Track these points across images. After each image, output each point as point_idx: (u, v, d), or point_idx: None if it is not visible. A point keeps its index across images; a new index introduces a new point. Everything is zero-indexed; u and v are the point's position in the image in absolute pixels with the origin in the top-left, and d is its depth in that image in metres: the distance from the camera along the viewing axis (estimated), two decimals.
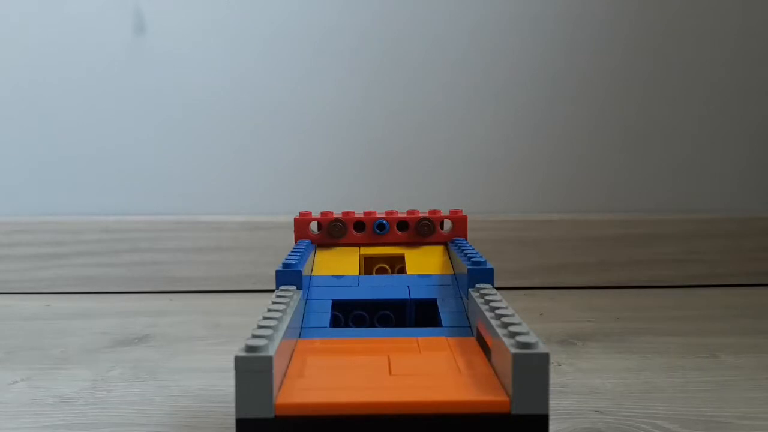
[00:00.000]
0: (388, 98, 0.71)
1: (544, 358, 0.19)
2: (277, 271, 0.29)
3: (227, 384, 0.44)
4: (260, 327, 0.22)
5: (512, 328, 0.21)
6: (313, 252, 0.36)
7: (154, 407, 0.40)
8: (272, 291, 0.71)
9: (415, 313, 0.30)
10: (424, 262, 0.34)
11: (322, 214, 0.37)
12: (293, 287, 0.28)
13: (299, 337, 0.26)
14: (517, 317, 0.22)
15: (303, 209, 0.70)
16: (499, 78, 0.71)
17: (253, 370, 0.19)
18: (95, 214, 0.70)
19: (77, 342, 0.53)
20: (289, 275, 0.28)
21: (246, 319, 0.59)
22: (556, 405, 0.39)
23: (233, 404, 0.42)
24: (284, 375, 0.21)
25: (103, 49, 0.69)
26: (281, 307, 0.24)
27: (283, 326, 0.23)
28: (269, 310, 0.24)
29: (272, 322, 0.22)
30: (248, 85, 0.70)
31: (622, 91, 0.72)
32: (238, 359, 0.19)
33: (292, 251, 0.33)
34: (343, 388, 0.21)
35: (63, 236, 0.68)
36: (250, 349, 0.20)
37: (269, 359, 0.19)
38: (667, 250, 0.69)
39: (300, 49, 0.70)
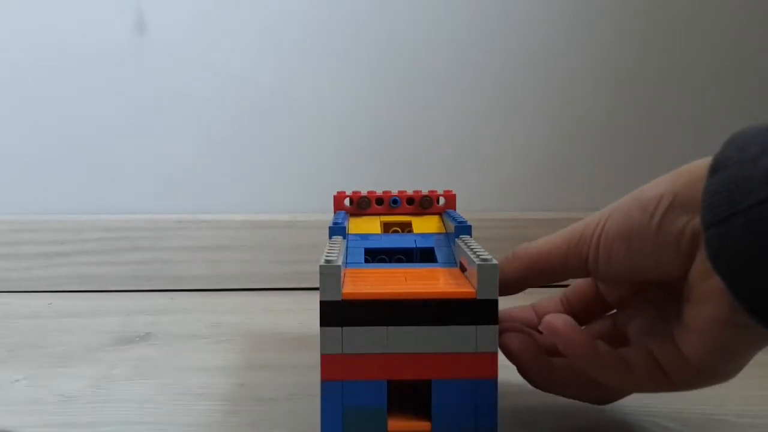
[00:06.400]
0: (388, 98, 0.71)
1: (496, 267, 0.32)
2: (330, 227, 0.41)
3: (228, 382, 0.44)
4: (329, 253, 0.33)
5: (479, 254, 0.33)
6: (348, 219, 0.47)
7: (155, 406, 0.41)
8: (273, 290, 0.71)
9: (419, 257, 0.41)
10: (425, 226, 0.47)
11: (353, 192, 0.50)
12: (341, 237, 0.40)
13: (345, 267, 0.37)
14: (483, 250, 0.34)
15: (305, 207, 0.70)
16: (499, 75, 0.71)
17: (330, 273, 0.31)
18: (97, 213, 0.70)
19: (79, 340, 0.53)
20: (338, 230, 0.41)
21: (247, 318, 0.59)
22: (556, 404, 0.39)
23: (234, 403, 0.42)
24: (343, 281, 0.33)
25: (103, 48, 0.69)
26: (337, 246, 0.36)
27: (342, 254, 0.35)
28: (331, 246, 0.35)
29: (335, 251, 0.34)
30: (249, 83, 0.71)
31: (623, 89, 0.72)
32: (321, 266, 0.31)
33: (335, 217, 0.46)
34: (379, 286, 0.33)
35: (65, 235, 0.69)
36: (327, 261, 0.32)
37: (339, 267, 0.32)
38: None
39: (301, 47, 0.70)
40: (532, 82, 0.72)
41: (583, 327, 0.37)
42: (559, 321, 0.33)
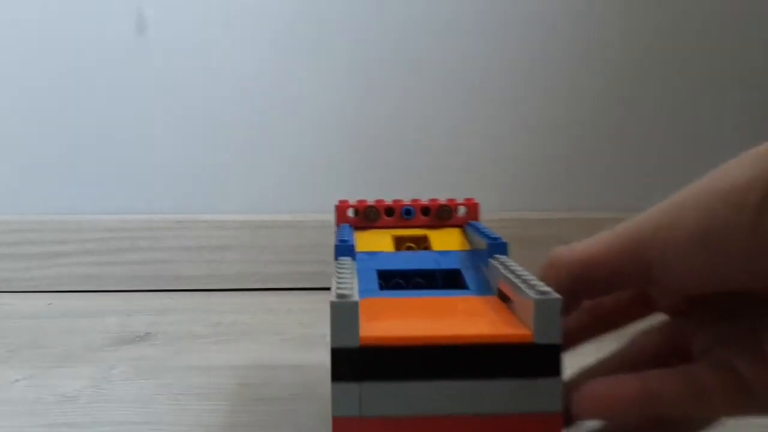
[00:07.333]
0: (388, 98, 0.71)
1: (558, 302, 0.25)
2: (336, 246, 0.34)
3: (228, 382, 0.44)
4: (340, 282, 0.27)
5: (531, 283, 0.27)
6: (353, 233, 0.41)
7: (155, 405, 0.41)
8: (273, 290, 0.71)
9: (442, 281, 0.35)
10: (445, 241, 0.40)
11: (358, 201, 0.43)
12: (349, 258, 0.33)
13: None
14: (533, 276, 0.28)
15: (305, 207, 0.70)
16: (500, 75, 0.71)
17: (344, 312, 0.25)
18: (97, 213, 0.70)
19: (79, 340, 0.53)
20: (346, 248, 0.34)
21: (247, 318, 0.59)
22: None
23: (234, 403, 0.42)
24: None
25: (104, 48, 0.69)
26: (348, 271, 0.29)
27: (356, 284, 0.28)
28: (340, 273, 0.29)
29: (347, 280, 0.27)
30: (250, 83, 0.71)
31: (626, 90, 0.72)
32: (333, 304, 0.25)
33: (340, 232, 0.39)
34: (405, 327, 0.27)
35: (65, 235, 0.69)
36: (340, 296, 0.25)
37: (356, 303, 0.25)
38: None
39: (301, 47, 0.70)
40: (533, 83, 0.72)
41: (622, 349, 0.31)
42: (590, 393, 0.26)
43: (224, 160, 0.71)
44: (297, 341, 0.53)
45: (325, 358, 0.50)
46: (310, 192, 0.71)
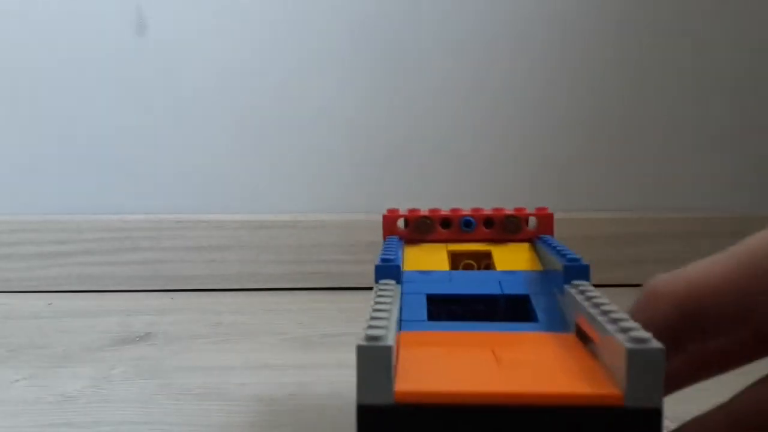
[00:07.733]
0: (388, 98, 0.71)
1: (660, 353, 0.19)
2: (376, 266, 0.29)
3: (228, 382, 0.44)
4: (374, 318, 0.22)
5: (623, 324, 0.21)
6: (402, 247, 0.36)
7: (155, 406, 0.41)
8: (273, 290, 0.70)
9: (507, 309, 0.30)
10: (512, 259, 0.35)
11: (410, 211, 0.38)
12: (393, 281, 0.28)
13: (400, 329, 0.26)
14: (624, 313, 0.22)
15: (305, 207, 0.70)
16: (503, 74, 0.71)
17: (374, 359, 0.19)
18: (97, 213, 0.70)
19: (79, 340, 0.53)
20: (388, 270, 0.29)
21: (247, 318, 0.59)
22: None
23: (234, 403, 0.42)
24: (394, 362, 0.21)
25: (104, 48, 0.69)
26: (388, 299, 0.24)
27: (394, 318, 0.23)
28: (378, 302, 0.24)
29: (385, 314, 0.22)
30: (250, 82, 0.71)
31: (626, 91, 0.72)
32: (360, 348, 0.19)
33: (385, 247, 0.33)
34: (456, 377, 0.21)
35: (65, 235, 0.69)
36: (370, 338, 0.20)
37: (389, 348, 0.19)
38: (665, 248, 0.69)
39: (302, 46, 0.70)
40: (533, 83, 0.72)
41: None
42: None
43: (224, 160, 0.72)
44: (297, 341, 0.53)
45: (324, 358, 0.50)
46: (310, 192, 0.71)
